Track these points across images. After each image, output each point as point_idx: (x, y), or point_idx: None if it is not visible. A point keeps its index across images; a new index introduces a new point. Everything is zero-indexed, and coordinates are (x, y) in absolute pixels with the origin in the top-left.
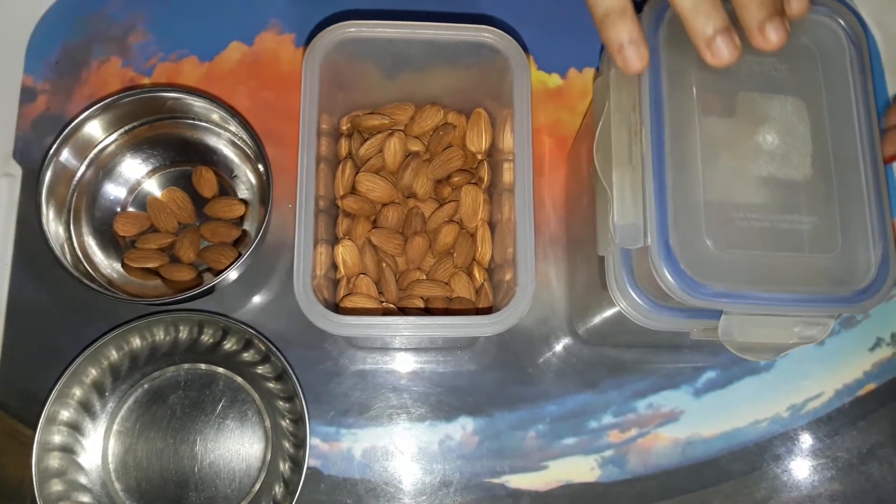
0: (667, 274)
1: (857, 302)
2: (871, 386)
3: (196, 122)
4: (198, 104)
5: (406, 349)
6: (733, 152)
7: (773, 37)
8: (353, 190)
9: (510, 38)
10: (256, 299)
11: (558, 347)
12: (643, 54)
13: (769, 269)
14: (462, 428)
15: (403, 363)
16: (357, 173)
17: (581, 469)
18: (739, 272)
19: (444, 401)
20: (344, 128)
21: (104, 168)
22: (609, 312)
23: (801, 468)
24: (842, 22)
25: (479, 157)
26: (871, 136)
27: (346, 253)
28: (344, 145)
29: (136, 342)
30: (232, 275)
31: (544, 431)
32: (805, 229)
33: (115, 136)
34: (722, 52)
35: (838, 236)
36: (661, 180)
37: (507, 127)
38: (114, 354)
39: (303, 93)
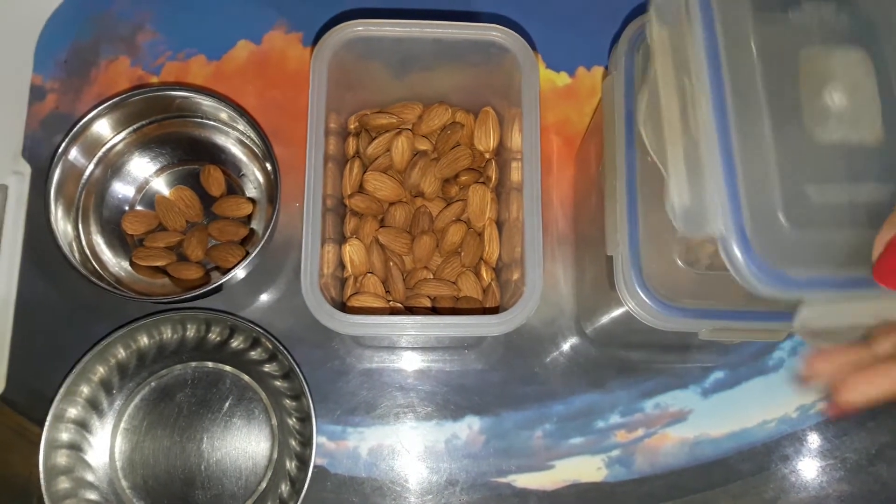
0: (742, 262)
1: None
2: None
3: (204, 121)
4: (206, 103)
5: (413, 348)
6: (801, 117)
7: None
8: (360, 189)
9: (518, 36)
10: (264, 298)
11: (565, 347)
12: None
13: (851, 249)
14: (469, 427)
15: (410, 362)
16: (365, 172)
17: (588, 469)
18: (821, 255)
19: (451, 400)
20: (352, 126)
21: (112, 166)
22: (617, 312)
23: (809, 469)
24: None
25: (487, 156)
26: None
27: (353, 252)
28: (351, 144)
29: (144, 340)
30: (239, 273)
31: (551, 431)
32: (884, 199)
33: (123, 134)
34: None
35: None
36: (727, 152)
37: (515, 126)
38: (121, 353)
39: (311, 92)
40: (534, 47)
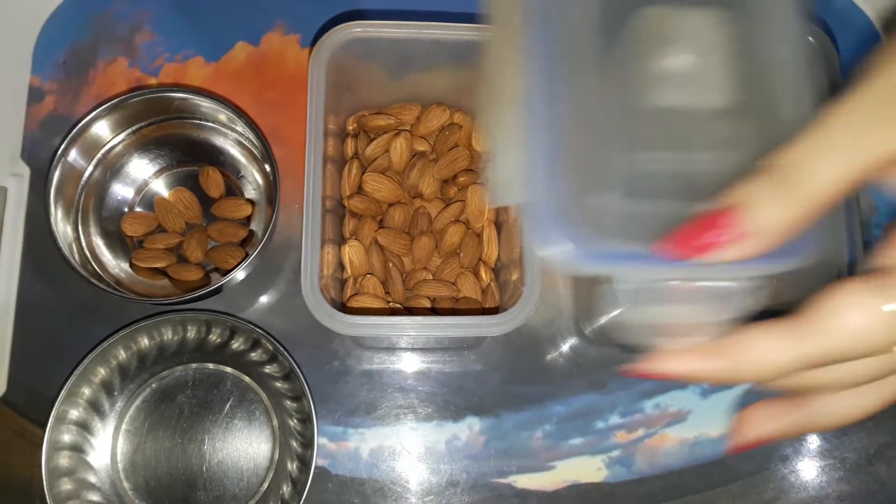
0: (556, 234)
1: (787, 258)
2: None
3: (203, 123)
4: (205, 104)
5: (413, 349)
6: (636, 80)
7: None
8: (359, 190)
9: None
10: (264, 299)
11: (565, 348)
12: None
13: (675, 223)
14: (469, 428)
15: (410, 363)
16: (363, 173)
17: (588, 469)
18: (640, 228)
19: (451, 401)
20: (350, 128)
21: (112, 168)
22: (613, 312)
23: (808, 469)
24: None
25: (486, 156)
26: (808, 54)
27: (352, 253)
28: (350, 145)
29: (145, 342)
30: (239, 275)
31: (551, 432)
32: (723, 169)
33: (122, 136)
34: None
35: None
36: (544, 115)
37: None
38: (122, 354)
39: (309, 93)
40: None
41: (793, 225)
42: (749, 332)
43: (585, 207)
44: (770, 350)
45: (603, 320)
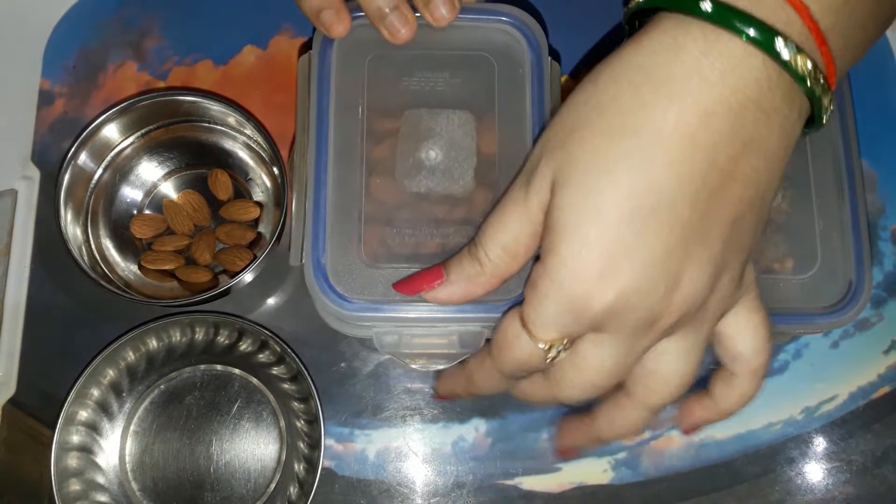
0: (318, 290)
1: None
2: (885, 389)
3: (212, 126)
4: (213, 108)
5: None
6: (396, 170)
7: (442, 11)
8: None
9: (536, 32)
10: (271, 301)
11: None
12: (344, 18)
13: None
14: (475, 430)
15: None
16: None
17: (594, 471)
18: (392, 287)
19: (457, 402)
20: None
21: (121, 171)
22: None
23: (814, 471)
24: (523, 29)
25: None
26: None
27: None
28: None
29: (153, 343)
30: (247, 277)
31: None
32: (460, 242)
33: (131, 139)
34: (396, 28)
35: None
36: (320, 197)
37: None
38: (131, 356)
39: (305, 92)
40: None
41: (474, 282)
42: (470, 359)
43: (351, 271)
44: (477, 367)
45: None
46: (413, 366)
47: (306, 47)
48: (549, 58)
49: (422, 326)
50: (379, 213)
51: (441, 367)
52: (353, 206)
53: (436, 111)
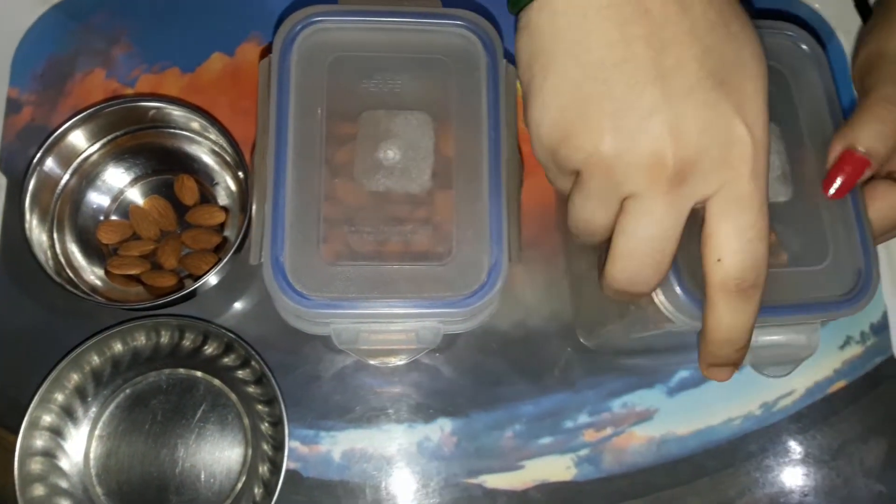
0: (276, 288)
1: (464, 306)
2: (841, 383)
3: (177, 132)
4: (178, 113)
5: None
6: (353, 169)
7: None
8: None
9: (492, 35)
10: (238, 304)
11: (533, 350)
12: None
13: (380, 279)
14: (440, 429)
15: (383, 367)
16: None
17: (557, 468)
18: (353, 284)
19: (422, 402)
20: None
21: (87, 177)
22: (617, 322)
23: (773, 465)
24: (478, 33)
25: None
26: (498, 144)
27: None
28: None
29: (118, 347)
30: (212, 280)
31: (521, 431)
32: (418, 239)
33: (98, 145)
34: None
35: (453, 244)
36: (278, 200)
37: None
38: (96, 360)
39: (266, 96)
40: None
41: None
42: None
43: (309, 269)
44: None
45: (611, 333)
46: (372, 362)
47: (267, 51)
48: (505, 60)
49: (380, 322)
50: (338, 211)
51: (400, 362)
52: (312, 206)
53: (394, 112)
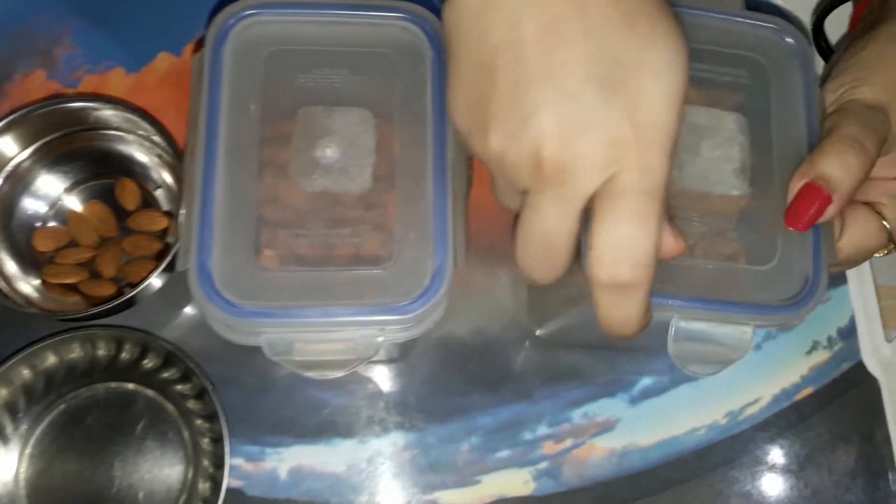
0: (203, 296)
1: (406, 312)
2: (808, 390)
3: (117, 134)
4: (117, 115)
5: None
6: (289, 169)
7: None
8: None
9: (437, 29)
10: (181, 315)
11: (491, 358)
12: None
13: (316, 285)
14: (393, 443)
15: (332, 378)
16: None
17: (515, 482)
18: (286, 290)
19: (374, 416)
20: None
21: (21, 183)
22: (571, 312)
23: (740, 476)
24: (423, 26)
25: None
26: (443, 142)
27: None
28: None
29: (51, 360)
30: (152, 288)
31: (478, 444)
32: (358, 242)
33: (31, 149)
34: None
35: (395, 247)
36: (207, 201)
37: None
38: (26, 374)
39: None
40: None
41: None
42: None
43: (240, 275)
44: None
45: (560, 321)
46: (308, 374)
47: (201, 44)
48: (439, 51)
49: (316, 331)
50: (272, 213)
51: (338, 374)
52: (243, 208)
53: (332, 109)
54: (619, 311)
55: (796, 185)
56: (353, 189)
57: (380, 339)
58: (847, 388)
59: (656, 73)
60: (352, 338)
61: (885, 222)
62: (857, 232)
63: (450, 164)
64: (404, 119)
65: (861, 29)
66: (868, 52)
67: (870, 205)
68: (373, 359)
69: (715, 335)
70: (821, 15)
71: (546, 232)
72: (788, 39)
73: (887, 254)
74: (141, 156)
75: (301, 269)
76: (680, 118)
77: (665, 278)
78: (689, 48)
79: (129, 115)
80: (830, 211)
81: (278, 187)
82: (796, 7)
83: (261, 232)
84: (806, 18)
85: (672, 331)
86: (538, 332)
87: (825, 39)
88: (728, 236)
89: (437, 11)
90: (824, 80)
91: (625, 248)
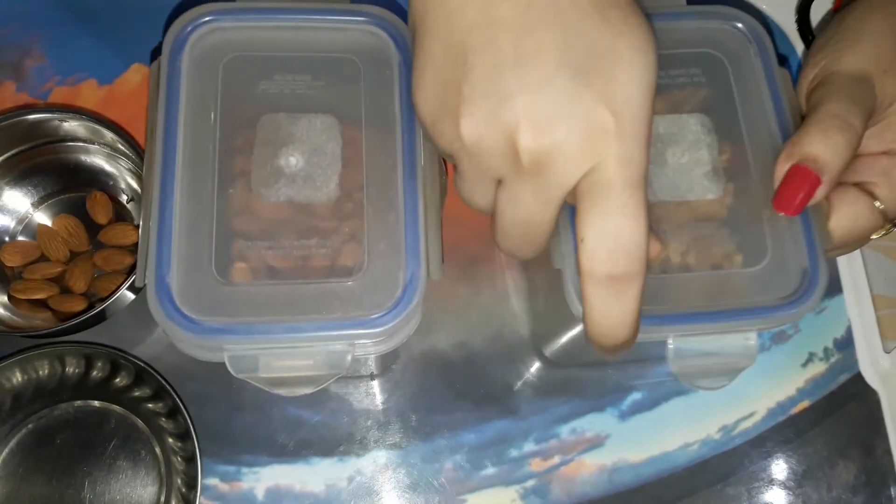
0: (161, 313)
1: (377, 325)
2: (804, 403)
3: (88, 146)
4: (84, 125)
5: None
6: (251, 178)
7: None
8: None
9: (404, 33)
10: (155, 331)
11: (475, 373)
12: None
13: (282, 298)
14: (374, 462)
15: (310, 395)
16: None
17: (502, 502)
18: (250, 305)
19: (354, 433)
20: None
21: None
22: (575, 330)
23: (735, 492)
24: (390, 30)
25: None
26: (413, 148)
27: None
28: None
29: (17, 378)
30: (122, 303)
31: (462, 462)
32: (326, 253)
33: None
34: None
35: (364, 258)
36: (165, 214)
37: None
38: None
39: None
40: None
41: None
42: None
43: (200, 289)
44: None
45: (564, 339)
46: (277, 392)
47: (158, 52)
48: (406, 53)
49: (282, 347)
50: (234, 225)
51: (308, 391)
52: (203, 220)
53: (296, 116)
54: (615, 308)
55: (782, 169)
56: (318, 198)
57: (350, 354)
58: (845, 400)
59: (630, 62)
60: (320, 353)
61: (877, 203)
62: (846, 214)
63: (420, 170)
64: (372, 125)
65: (843, 6)
66: (848, 22)
67: (859, 185)
68: (351, 374)
69: (716, 347)
70: (803, 9)
71: (526, 221)
72: (738, 24)
73: (885, 234)
74: (111, 168)
75: (266, 283)
76: (652, 109)
77: (656, 297)
78: (657, 41)
79: (96, 126)
80: (820, 192)
81: (241, 198)
82: (778, 2)
83: (222, 244)
84: (789, 12)
85: (671, 351)
86: (546, 354)
87: (811, 32)
88: (714, 240)
89: (404, 14)
90: (808, 58)
91: (618, 240)
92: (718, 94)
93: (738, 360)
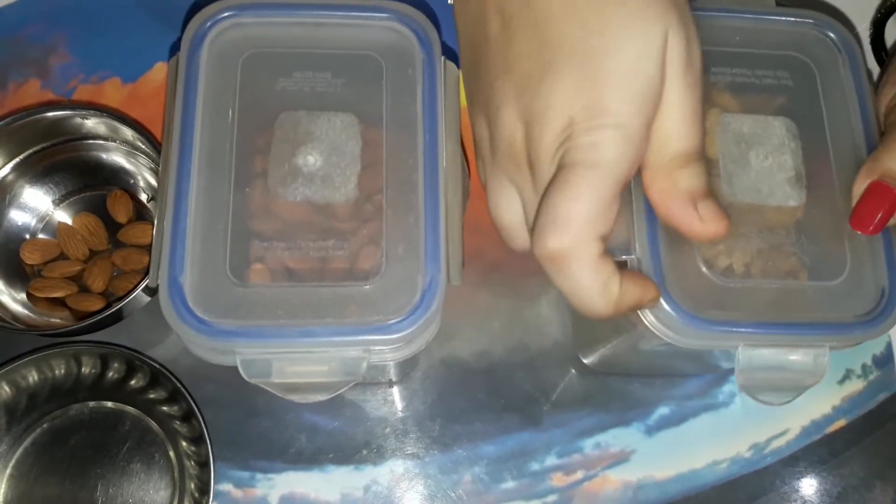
0: (174, 314)
1: (394, 332)
2: (841, 422)
3: (110, 144)
4: (105, 123)
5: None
6: (269, 177)
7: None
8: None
9: (428, 30)
10: (171, 333)
11: (496, 382)
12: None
13: (297, 302)
14: (390, 471)
15: (327, 401)
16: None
17: None
18: (264, 307)
19: (372, 442)
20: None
21: (9, 194)
22: (616, 340)
23: None
24: (413, 27)
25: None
26: (434, 149)
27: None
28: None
29: (33, 378)
30: (139, 303)
31: (481, 475)
32: (343, 256)
33: (19, 159)
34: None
35: (382, 262)
36: (180, 213)
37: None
38: (7, 391)
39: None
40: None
41: None
42: None
43: (214, 291)
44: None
45: (608, 349)
46: (291, 398)
47: (176, 48)
48: (444, 57)
49: (296, 352)
50: (250, 225)
51: (322, 398)
52: (219, 220)
53: (315, 114)
54: (561, 284)
55: (861, 185)
56: (336, 199)
57: (366, 360)
58: (884, 420)
59: (618, 57)
60: (335, 359)
61: None
62: None
63: (442, 172)
64: (393, 125)
65: None
66: None
67: None
68: (369, 381)
69: (786, 361)
70: (879, 23)
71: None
72: (830, 34)
73: None
74: (131, 166)
75: (280, 286)
76: (642, 97)
77: (725, 303)
78: (656, 33)
79: (117, 124)
80: None
81: (257, 198)
82: (852, 17)
83: (237, 245)
84: (862, 28)
85: (739, 360)
86: (586, 361)
87: (885, 49)
88: (786, 251)
89: (428, 11)
90: (887, 72)
91: (550, 217)
92: (804, 100)
93: (806, 377)
